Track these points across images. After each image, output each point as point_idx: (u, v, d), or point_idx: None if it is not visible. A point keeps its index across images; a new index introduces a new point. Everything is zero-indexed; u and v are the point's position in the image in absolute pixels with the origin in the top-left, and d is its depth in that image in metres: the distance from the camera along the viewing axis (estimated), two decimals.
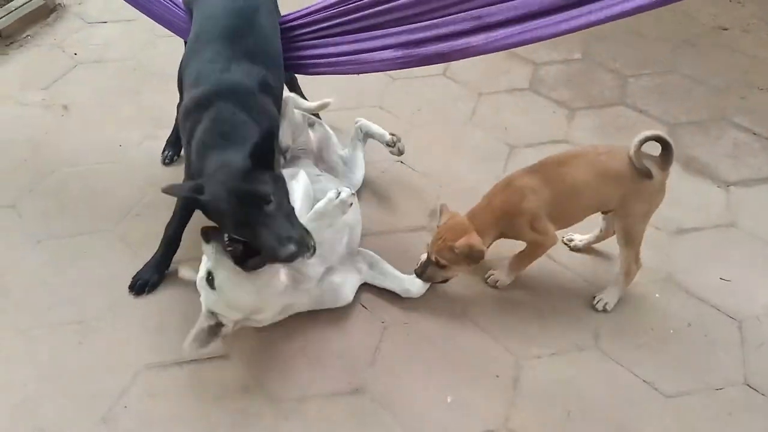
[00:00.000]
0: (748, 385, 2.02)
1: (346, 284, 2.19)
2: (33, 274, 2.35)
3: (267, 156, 1.80)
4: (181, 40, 2.53)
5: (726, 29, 3.81)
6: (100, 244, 2.46)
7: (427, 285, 2.25)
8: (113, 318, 2.21)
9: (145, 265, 2.34)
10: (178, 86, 2.37)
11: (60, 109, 3.12)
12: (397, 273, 2.28)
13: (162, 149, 2.84)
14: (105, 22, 3.72)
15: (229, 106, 1.98)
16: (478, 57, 2.24)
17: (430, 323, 2.19)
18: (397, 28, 2.13)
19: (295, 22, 2.40)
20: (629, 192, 2.07)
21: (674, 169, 2.79)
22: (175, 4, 2.55)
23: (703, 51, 3.61)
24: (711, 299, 2.27)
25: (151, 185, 2.69)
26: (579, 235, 2.44)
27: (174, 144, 2.83)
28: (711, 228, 2.55)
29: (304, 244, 1.80)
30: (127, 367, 2.06)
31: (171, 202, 2.61)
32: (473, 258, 2.04)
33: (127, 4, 2.58)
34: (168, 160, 2.81)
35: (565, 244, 2.45)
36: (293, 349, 2.13)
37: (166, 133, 2.85)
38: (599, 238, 2.40)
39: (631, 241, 2.15)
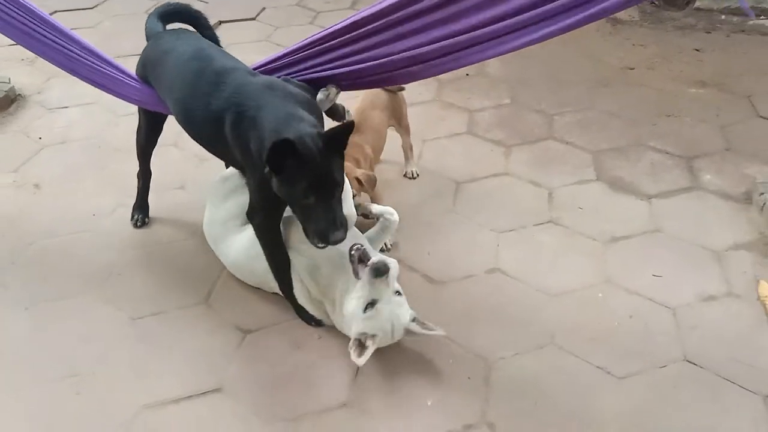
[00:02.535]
0: (687, 360, 2.30)
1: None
2: (24, 338, 2.46)
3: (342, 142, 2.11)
4: None
5: (633, 69, 4.31)
6: (85, 304, 2.60)
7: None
8: (106, 367, 2.34)
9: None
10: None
11: (31, 187, 3.27)
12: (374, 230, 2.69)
13: (131, 216, 3.02)
14: (66, 107, 3.93)
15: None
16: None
17: (404, 341, 2.40)
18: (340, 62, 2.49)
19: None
20: (395, 105, 3.13)
21: (602, 188, 3.18)
22: (129, 76, 2.70)
23: (615, 89, 4.08)
24: (647, 294, 2.57)
25: (128, 247, 2.87)
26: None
27: (141, 208, 3.02)
28: (639, 235, 2.88)
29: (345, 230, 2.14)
30: (126, 409, 2.18)
31: (151, 261, 2.80)
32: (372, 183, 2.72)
33: (87, 87, 2.74)
34: (139, 223, 2.99)
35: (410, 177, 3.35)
36: (282, 376, 2.30)
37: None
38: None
39: (408, 131, 3.27)
